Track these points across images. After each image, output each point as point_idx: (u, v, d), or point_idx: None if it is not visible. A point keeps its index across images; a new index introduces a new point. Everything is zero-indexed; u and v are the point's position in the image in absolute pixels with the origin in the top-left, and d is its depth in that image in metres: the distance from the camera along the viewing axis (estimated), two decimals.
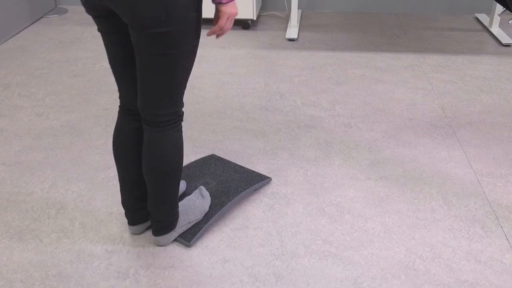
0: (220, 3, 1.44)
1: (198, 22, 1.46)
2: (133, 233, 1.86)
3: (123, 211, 1.98)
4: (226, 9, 1.45)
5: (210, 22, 4.02)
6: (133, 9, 1.36)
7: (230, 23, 1.49)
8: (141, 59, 1.48)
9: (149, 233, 1.87)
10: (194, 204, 1.85)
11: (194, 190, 2.02)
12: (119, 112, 1.69)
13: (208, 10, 3.82)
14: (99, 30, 1.55)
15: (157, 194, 1.68)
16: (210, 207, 1.92)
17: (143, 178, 1.74)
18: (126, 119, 1.68)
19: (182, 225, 1.80)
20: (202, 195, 1.91)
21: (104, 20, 1.50)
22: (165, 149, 1.60)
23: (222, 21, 1.47)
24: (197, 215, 1.84)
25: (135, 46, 1.47)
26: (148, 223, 1.85)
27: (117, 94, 2.87)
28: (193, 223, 1.84)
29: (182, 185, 2.01)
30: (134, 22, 1.39)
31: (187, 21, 1.42)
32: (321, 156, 2.32)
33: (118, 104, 1.68)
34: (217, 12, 1.48)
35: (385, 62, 3.30)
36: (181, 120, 1.63)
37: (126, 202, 1.78)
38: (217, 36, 1.51)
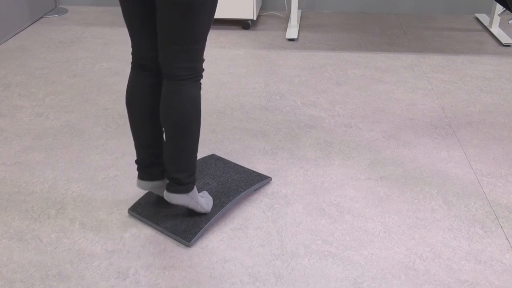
0: None
1: None
2: (140, 188, 1.86)
3: (123, 211, 1.98)
4: None
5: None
6: None
7: None
8: (162, 10, 1.51)
9: (149, 233, 1.87)
10: (200, 199, 1.86)
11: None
12: (132, 68, 1.70)
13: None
14: None
15: (174, 149, 1.69)
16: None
17: (157, 134, 1.76)
18: (139, 74, 1.69)
19: (196, 202, 1.80)
20: (205, 197, 1.91)
21: None
22: (182, 103, 1.62)
23: None
24: (205, 207, 1.86)
25: (162, 2, 1.50)
26: (156, 183, 1.85)
27: (117, 94, 2.87)
28: (202, 210, 1.85)
29: None
30: None
31: None
32: (321, 156, 2.32)
33: (131, 61, 1.69)
34: None
35: (385, 62, 3.30)
36: (200, 76, 1.65)
37: (139, 157, 1.80)
38: None
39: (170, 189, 1.77)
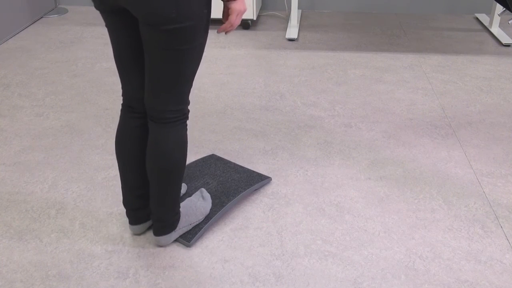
0: (229, 0, 1.45)
1: (208, 19, 1.49)
2: (134, 233, 1.85)
3: (123, 211, 1.98)
4: (235, 6, 1.47)
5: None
6: (146, 7, 1.37)
7: (239, 19, 1.51)
8: (150, 54, 1.49)
9: (149, 233, 1.87)
10: (195, 206, 1.85)
11: (195, 190, 2.02)
12: (122, 110, 1.69)
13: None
14: (107, 25, 1.55)
15: (160, 192, 1.68)
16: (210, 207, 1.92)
17: (145, 176, 1.74)
18: (129, 116, 1.68)
19: (183, 226, 1.80)
20: (203, 197, 1.91)
21: (113, 16, 1.51)
22: (169, 146, 1.60)
23: (232, 18, 1.49)
24: (198, 217, 1.84)
25: (145, 42, 1.48)
26: (149, 223, 1.85)
27: (117, 94, 2.87)
28: (194, 224, 1.83)
29: (183, 187, 2.01)
30: (146, 19, 1.40)
31: (198, 18, 1.44)
32: (321, 156, 2.32)
33: (121, 102, 1.68)
34: (226, 9, 1.51)
35: (385, 62, 3.30)
36: (187, 118, 1.63)
37: (128, 201, 1.78)
38: (226, 32, 1.53)
39: (158, 233, 1.76)
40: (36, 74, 3.13)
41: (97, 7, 1.51)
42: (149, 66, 1.52)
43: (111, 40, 1.59)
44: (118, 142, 1.70)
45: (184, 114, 1.62)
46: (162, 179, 1.65)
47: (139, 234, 1.86)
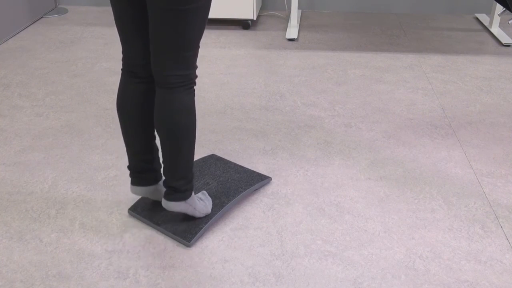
0: None
1: None
2: (135, 193, 1.84)
3: (123, 211, 1.98)
4: None
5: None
6: None
7: None
8: (154, 16, 1.49)
9: (149, 233, 1.87)
10: (198, 202, 1.86)
11: (195, 191, 2.02)
12: (123, 74, 1.69)
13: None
14: None
15: (170, 157, 1.67)
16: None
17: (149, 142, 1.75)
18: (130, 81, 1.67)
19: (194, 208, 1.80)
20: (204, 199, 1.91)
21: None
22: (175, 111, 1.60)
23: None
24: (201, 213, 1.85)
25: (148, 3, 1.48)
26: (150, 189, 1.84)
27: (117, 94, 2.87)
28: (197, 216, 1.85)
29: None
30: None
31: None
32: (321, 156, 2.32)
33: (121, 68, 1.68)
34: None
35: (385, 62, 3.30)
36: (194, 83, 1.63)
37: (131, 164, 1.79)
38: None
39: (168, 197, 1.76)
40: (36, 74, 3.13)
41: None
42: (153, 29, 1.52)
43: (112, 6, 1.59)
44: (121, 107, 1.70)
45: (191, 79, 1.61)
46: (170, 143, 1.65)
47: (138, 196, 1.85)
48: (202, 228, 1.83)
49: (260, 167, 2.24)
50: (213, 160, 2.23)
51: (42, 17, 4.11)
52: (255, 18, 3.82)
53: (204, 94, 2.87)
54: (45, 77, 3.09)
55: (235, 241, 1.84)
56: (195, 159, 2.28)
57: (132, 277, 1.69)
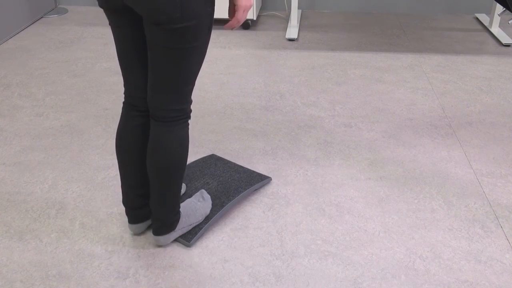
0: None
1: (211, 17, 1.50)
2: (134, 232, 1.85)
3: (123, 211, 1.98)
4: (242, 2, 1.48)
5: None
6: (150, 5, 1.38)
7: (246, 15, 1.52)
8: (154, 53, 1.50)
9: (149, 233, 1.87)
10: (195, 207, 1.85)
11: (195, 191, 2.02)
12: (124, 108, 1.69)
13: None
14: (110, 23, 1.55)
15: (160, 191, 1.68)
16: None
17: (146, 175, 1.74)
18: (130, 115, 1.67)
19: (183, 226, 1.80)
20: (203, 198, 1.91)
21: (118, 14, 1.51)
22: (170, 145, 1.61)
23: (239, 14, 1.50)
24: (198, 218, 1.84)
25: (149, 40, 1.49)
26: (148, 222, 1.85)
27: (117, 94, 2.87)
28: (194, 225, 1.83)
29: (182, 187, 2.01)
30: (150, 17, 1.41)
31: (202, 17, 1.44)
32: (321, 156, 2.32)
33: (123, 100, 1.68)
34: (232, 6, 1.53)
35: (385, 62, 3.30)
36: (189, 117, 1.63)
37: (128, 200, 1.78)
38: (232, 29, 1.55)
39: (157, 232, 1.75)
40: (36, 74, 3.13)
41: (101, 5, 1.51)
42: (152, 65, 1.53)
43: (114, 38, 1.59)
44: (119, 140, 1.70)
45: (186, 113, 1.62)
46: (162, 177, 1.65)
47: (138, 234, 1.86)
48: (202, 228, 1.83)
49: (260, 167, 2.24)
50: (213, 160, 2.23)
51: (42, 17, 4.11)
52: (255, 18, 3.82)
53: (204, 94, 2.87)
54: (45, 77, 3.09)
55: (235, 241, 1.84)
56: (195, 159, 2.28)
57: (132, 277, 1.69)
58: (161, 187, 1.67)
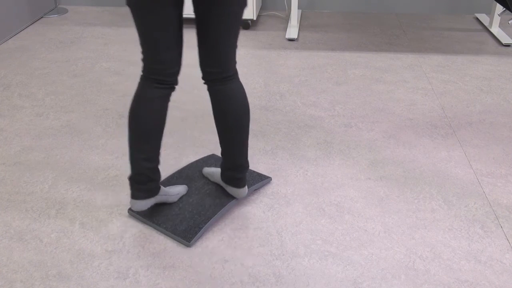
0: None
1: None
2: (139, 209, 1.83)
3: (123, 211, 1.98)
4: None
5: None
6: None
7: None
8: (217, 20, 1.62)
9: (149, 233, 1.87)
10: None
11: (195, 190, 2.02)
12: (144, 82, 1.71)
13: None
14: (149, 4, 1.56)
15: (241, 141, 1.82)
16: (210, 207, 1.92)
17: (158, 147, 1.78)
18: (154, 87, 1.70)
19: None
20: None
21: None
22: (242, 95, 1.77)
23: None
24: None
25: (211, 9, 1.59)
26: (153, 200, 1.85)
27: (117, 94, 2.87)
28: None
29: (183, 189, 2.01)
30: None
31: None
32: (321, 156, 2.32)
33: (141, 75, 1.69)
34: None
35: (385, 62, 3.30)
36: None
37: (139, 173, 1.78)
38: None
39: (241, 183, 1.92)
40: (36, 74, 3.13)
41: None
42: (215, 31, 1.64)
43: (150, 20, 1.60)
44: (137, 108, 1.71)
45: (236, 69, 1.79)
46: (243, 127, 1.80)
47: (142, 213, 1.87)
48: (202, 228, 1.83)
49: (260, 167, 2.24)
50: (213, 160, 2.23)
51: (42, 17, 4.11)
52: (255, 18, 3.82)
53: (204, 94, 2.87)
54: (45, 77, 3.09)
55: (235, 241, 1.84)
56: (195, 159, 2.28)
57: (132, 277, 1.69)
58: (242, 136, 1.82)
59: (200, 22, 1.65)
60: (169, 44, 1.65)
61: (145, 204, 1.83)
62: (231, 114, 1.77)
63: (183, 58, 1.76)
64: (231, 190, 1.95)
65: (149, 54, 1.67)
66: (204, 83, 1.78)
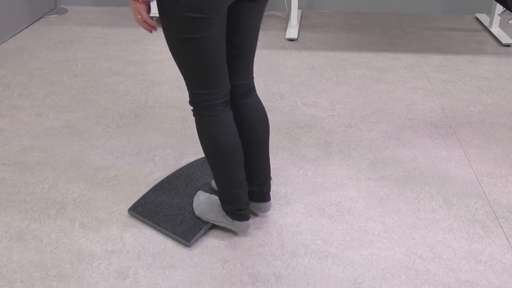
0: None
1: None
2: (246, 230, 1.81)
3: (123, 211, 1.98)
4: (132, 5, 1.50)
5: None
6: None
7: (138, 20, 1.49)
8: (252, 30, 1.60)
9: (149, 233, 1.87)
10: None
11: (195, 190, 2.02)
12: (219, 110, 1.60)
13: None
14: (211, 26, 1.45)
15: (266, 153, 1.80)
16: None
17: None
18: (227, 110, 1.62)
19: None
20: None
21: (225, 10, 1.47)
22: (263, 108, 1.76)
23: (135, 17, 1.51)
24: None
25: (250, 19, 1.56)
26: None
27: (117, 94, 2.87)
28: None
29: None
30: None
31: None
32: (321, 156, 2.32)
33: (211, 104, 1.59)
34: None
35: (385, 62, 3.30)
36: None
37: (241, 199, 1.75)
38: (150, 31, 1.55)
39: (267, 197, 1.87)
40: (36, 74, 3.13)
41: (219, 6, 1.43)
42: (249, 43, 1.61)
43: (210, 42, 1.48)
44: (230, 142, 1.63)
45: None
46: (267, 139, 1.78)
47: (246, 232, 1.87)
48: (202, 228, 1.83)
49: None
50: None
51: (42, 17, 4.11)
52: None
53: None
54: (45, 77, 3.09)
55: (235, 241, 1.84)
56: (195, 159, 2.28)
57: (132, 277, 1.69)
58: (266, 144, 1.78)
59: (236, 33, 1.57)
60: (223, 65, 1.57)
61: (249, 222, 1.82)
62: (262, 124, 1.74)
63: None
64: (257, 206, 1.88)
65: (216, 79, 1.56)
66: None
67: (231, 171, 1.68)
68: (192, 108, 1.63)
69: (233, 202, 1.75)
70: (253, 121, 1.72)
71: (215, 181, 1.77)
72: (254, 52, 1.67)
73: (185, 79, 1.58)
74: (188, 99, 2.83)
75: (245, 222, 1.79)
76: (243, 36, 1.59)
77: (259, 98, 1.75)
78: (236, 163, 1.68)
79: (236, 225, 1.79)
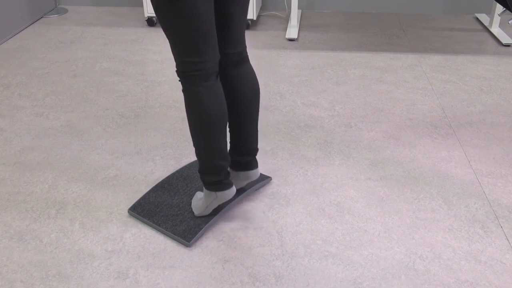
0: None
1: None
2: (227, 198, 1.81)
3: (123, 211, 1.98)
4: None
5: None
6: None
7: None
8: (243, 3, 1.65)
9: (149, 233, 1.87)
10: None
11: (194, 190, 2.02)
12: (209, 81, 1.60)
13: None
14: None
15: (255, 120, 1.81)
16: None
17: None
18: (216, 82, 1.64)
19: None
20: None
21: None
22: (254, 75, 1.78)
23: None
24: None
25: None
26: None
27: (117, 94, 2.87)
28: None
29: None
30: None
31: None
32: (321, 156, 2.32)
33: (201, 74, 1.59)
34: None
35: (385, 62, 3.30)
36: None
37: (222, 168, 1.75)
38: None
39: (255, 164, 1.89)
40: (36, 74, 3.13)
41: None
42: (239, 15, 1.65)
43: (198, 10, 1.49)
44: (221, 113, 1.64)
45: None
46: (256, 108, 1.80)
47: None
48: (202, 228, 1.83)
49: (260, 167, 2.24)
50: None
51: (42, 17, 4.11)
52: (255, 18, 3.82)
53: None
54: (45, 77, 3.09)
55: (235, 241, 1.84)
56: (195, 159, 2.28)
57: (132, 277, 1.69)
58: (256, 115, 1.80)
59: (225, 4, 1.62)
60: (213, 36, 1.59)
61: (233, 190, 1.82)
62: (254, 94, 1.77)
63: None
64: (245, 175, 1.90)
65: (204, 48, 1.57)
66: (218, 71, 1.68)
67: (217, 142, 1.69)
68: (180, 77, 1.62)
69: (214, 174, 1.75)
70: (244, 92, 1.74)
71: (196, 153, 1.74)
72: (244, 21, 1.70)
73: (173, 48, 1.58)
74: None
75: (229, 190, 1.79)
76: (232, 1, 1.63)
77: (252, 69, 1.77)
78: (223, 134, 1.70)
79: (221, 195, 1.79)
